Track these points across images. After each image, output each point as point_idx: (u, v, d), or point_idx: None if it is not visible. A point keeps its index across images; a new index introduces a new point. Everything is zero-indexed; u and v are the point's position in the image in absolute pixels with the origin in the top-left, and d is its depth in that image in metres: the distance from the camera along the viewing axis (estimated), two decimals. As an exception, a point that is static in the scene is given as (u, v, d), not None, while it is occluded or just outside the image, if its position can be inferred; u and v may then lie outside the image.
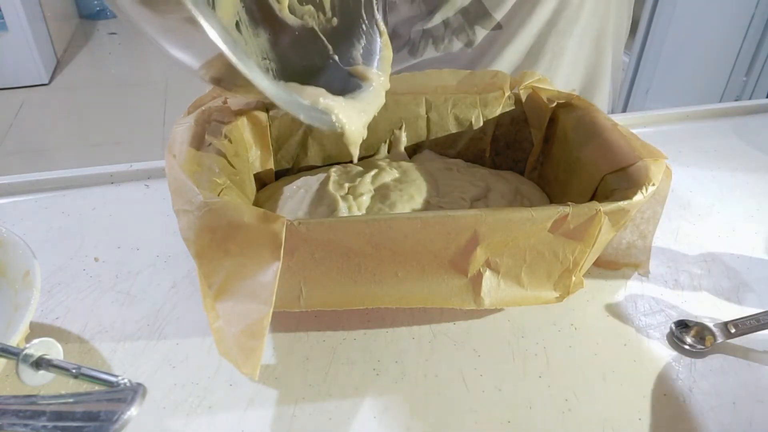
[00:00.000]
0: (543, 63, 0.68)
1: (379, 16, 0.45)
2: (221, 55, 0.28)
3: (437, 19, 0.65)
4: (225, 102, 0.47)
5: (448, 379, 0.39)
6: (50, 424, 0.24)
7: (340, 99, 0.39)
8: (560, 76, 0.69)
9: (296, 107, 0.34)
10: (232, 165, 0.44)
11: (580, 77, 0.71)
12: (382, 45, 0.45)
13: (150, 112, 2.20)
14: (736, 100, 1.65)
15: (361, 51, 0.45)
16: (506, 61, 0.67)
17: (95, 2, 2.94)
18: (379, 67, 0.44)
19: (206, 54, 0.29)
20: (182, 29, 0.29)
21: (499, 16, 0.65)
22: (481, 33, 0.66)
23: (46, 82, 2.38)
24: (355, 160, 0.42)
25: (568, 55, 0.68)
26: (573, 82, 0.71)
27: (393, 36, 0.68)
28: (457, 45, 0.66)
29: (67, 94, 2.35)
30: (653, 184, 0.39)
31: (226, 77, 0.33)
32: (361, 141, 0.40)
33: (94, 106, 2.26)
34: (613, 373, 0.39)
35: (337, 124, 0.37)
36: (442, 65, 0.68)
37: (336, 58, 0.44)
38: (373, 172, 0.47)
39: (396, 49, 0.68)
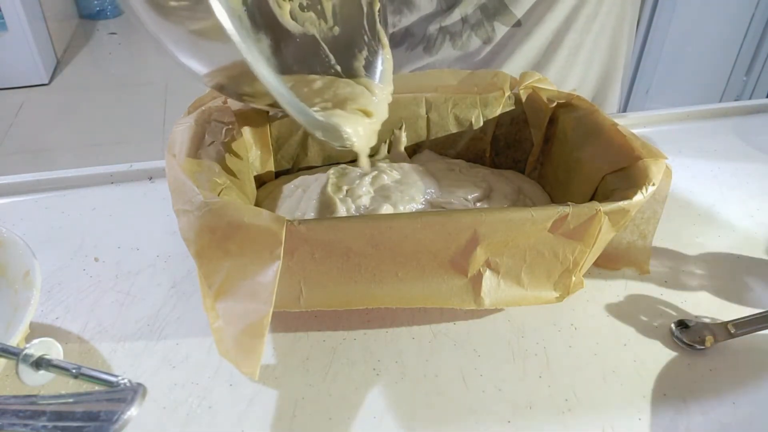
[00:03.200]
0: (559, 60, 0.68)
1: (380, 28, 0.45)
2: (239, 61, 0.28)
3: (456, 15, 0.65)
4: (225, 102, 0.47)
5: (448, 379, 0.39)
6: (50, 424, 0.24)
7: (348, 114, 0.39)
8: (575, 74, 0.69)
9: (312, 124, 0.34)
10: (232, 165, 0.44)
11: (595, 75, 0.71)
12: (384, 58, 0.45)
13: (150, 112, 2.20)
14: (736, 100, 1.65)
15: (363, 63, 0.45)
16: (523, 58, 0.67)
17: (95, 2, 2.93)
18: (381, 81, 0.44)
19: (221, 59, 0.29)
20: (192, 38, 0.29)
21: (519, 12, 0.64)
22: (500, 29, 0.65)
23: (46, 82, 2.37)
24: (367, 168, 0.43)
25: (584, 53, 0.68)
26: (588, 80, 0.71)
27: (407, 35, 0.68)
28: (476, 42, 0.66)
29: (67, 94, 2.35)
30: (653, 184, 0.39)
31: (232, 84, 0.33)
32: (368, 151, 0.41)
33: (94, 106, 2.26)
34: (613, 373, 0.39)
35: (347, 141, 0.38)
36: (458, 63, 0.68)
37: (338, 68, 0.44)
38: (372, 174, 0.47)
39: (410, 47, 0.68)
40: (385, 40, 0.45)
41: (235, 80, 0.33)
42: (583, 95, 0.49)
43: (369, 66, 0.45)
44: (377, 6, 0.44)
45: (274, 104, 0.33)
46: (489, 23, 0.65)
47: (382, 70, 0.45)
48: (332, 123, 0.38)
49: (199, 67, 0.32)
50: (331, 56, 0.44)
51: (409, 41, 0.68)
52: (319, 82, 0.42)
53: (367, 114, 0.41)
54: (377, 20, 0.44)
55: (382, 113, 0.43)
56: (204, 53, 0.31)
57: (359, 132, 0.39)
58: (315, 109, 0.39)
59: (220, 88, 0.35)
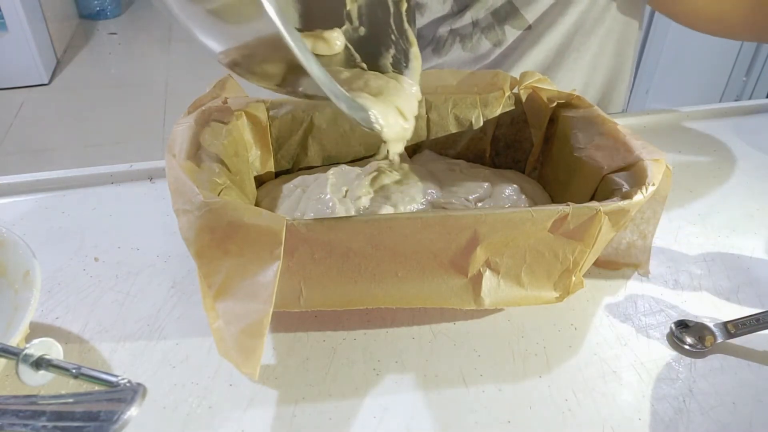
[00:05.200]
0: (567, 63, 0.68)
1: (408, 27, 0.45)
2: (275, 34, 0.27)
3: (467, 18, 0.65)
4: (225, 102, 0.47)
5: (448, 379, 0.39)
6: (50, 424, 0.24)
7: (378, 101, 0.38)
8: (582, 77, 0.69)
9: (339, 96, 0.33)
10: (232, 165, 0.44)
11: (601, 79, 0.71)
12: (412, 56, 0.44)
13: (150, 112, 2.20)
14: (736, 100, 1.65)
15: (391, 60, 0.44)
16: (531, 61, 0.67)
17: (95, 2, 2.93)
18: (409, 77, 0.44)
19: (256, 32, 0.29)
20: (216, 12, 0.28)
21: (531, 16, 0.64)
22: (511, 33, 0.65)
23: (46, 82, 2.37)
24: (395, 158, 0.41)
25: (591, 57, 0.68)
26: (594, 83, 0.71)
27: (416, 36, 0.68)
28: (486, 45, 0.66)
29: (67, 94, 2.35)
30: (653, 184, 0.39)
31: (249, 60, 0.32)
32: (403, 142, 0.40)
33: (94, 106, 2.26)
34: (613, 373, 0.39)
35: (375, 124, 0.36)
36: (467, 65, 0.68)
37: (364, 66, 0.44)
38: (372, 175, 0.47)
39: (419, 49, 0.68)
40: (413, 38, 0.44)
41: (254, 56, 0.32)
42: (590, 99, 0.49)
43: (397, 64, 0.44)
44: (404, 6, 0.44)
45: (285, 84, 0.32)
46: (500, 27, 0.65)
47: (411, 68, 0.44)
48: (358, 102, 0.36)
49: (218, 43, 0.32)
50: (357, 55, 0.44)
51: (419, 43, 0.68)
52: (346, 72, 0.41)
53: (402, 114, 0.39)
54: (404, 19, 0.44)
55: (414, 111, 0.42)
56: (227, 27, 0.31)
57: (389, 120, 0.37)
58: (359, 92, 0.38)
59: (234, 65, 0.34)
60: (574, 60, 0.68)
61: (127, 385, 0.26)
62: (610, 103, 0.74)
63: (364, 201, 0.45)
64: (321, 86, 0.31)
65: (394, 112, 0.39)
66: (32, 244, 0.38)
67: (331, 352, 0.40)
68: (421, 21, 0.66)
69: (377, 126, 0.36)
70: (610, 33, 0.68)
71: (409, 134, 0.40)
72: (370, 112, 0.36)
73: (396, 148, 0.40)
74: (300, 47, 0.28)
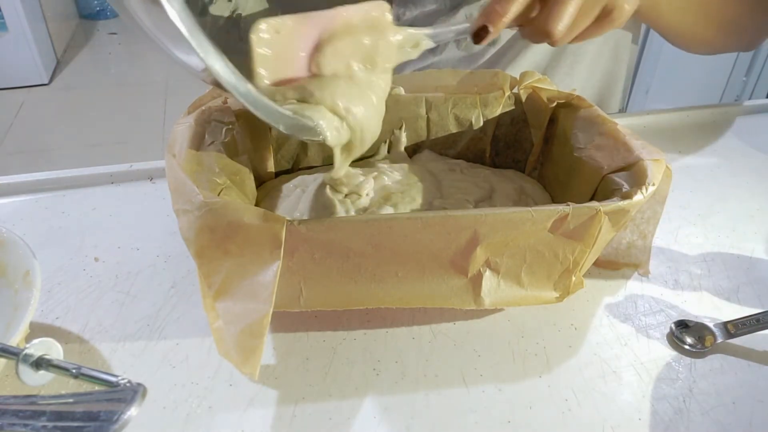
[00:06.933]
0: (563, 65, 0.68)
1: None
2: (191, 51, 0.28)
3: (461, 16, 0.64)
4: (225, 102, 0.47)
5: (448, 379, 0.39)
6: (50, 424, 0.24)
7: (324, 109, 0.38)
8: (578, 80, 0.69)
9: (275, 116, 0.33)
10: (232, 165, 0.44)
11: (598, 83, 0.71)
12: None
13: (150, 112, 2.20)
14: (736, 100, 1.65)
15: None
16: (527, 62, 0.67)
17: (95, 2, 2.94)
18: None
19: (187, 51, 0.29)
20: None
21: None
22: (505, 32, 0.65)
23: (46, 82, 2.37)
24: (337, 173, 0.40)
25: (588, 59, 0.68)
26: (590, 86, 0.71)
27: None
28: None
29: (67, 94, 2.35)
30: (653, 184, 0.39)
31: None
32: (358, 150, 0.39)
33: (94, 106, 2.26)
34: (613, 373, 0.39)
35: (320, 135, 0.36)
36: (462, 64, 0.68)
37: None
38: (372, 175, 0.47)
39: None
40: None
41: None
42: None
43: None
44: None
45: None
46: None
47: None
48: (305, 114, 0.35)
49: (196, 63, 0.32)
50: None
51: None
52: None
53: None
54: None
55: (379, 110, 0.42)
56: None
57: (333, 125, 0.37)
58: (291, 102, 0.38)
59: (219, 84, 0.35)
60: (571, 64, 0.68)
61: (127, 385, 0.26)
62: (608, 107, 0.74)
63: (364, 201, 0.45)
64: (249, 107, 0.31)
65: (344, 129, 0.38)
66: (32, 244, 0.38)
67: (331, 352, 0.40)
68: (413, 13, 0.66)
69: (321, 137, 0.36)
70: (608, 38, 0.68)
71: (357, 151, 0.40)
72: (315, 123, 0.35)
73: (340, 151, 0.39)
74: (208, 54, 0.29)
